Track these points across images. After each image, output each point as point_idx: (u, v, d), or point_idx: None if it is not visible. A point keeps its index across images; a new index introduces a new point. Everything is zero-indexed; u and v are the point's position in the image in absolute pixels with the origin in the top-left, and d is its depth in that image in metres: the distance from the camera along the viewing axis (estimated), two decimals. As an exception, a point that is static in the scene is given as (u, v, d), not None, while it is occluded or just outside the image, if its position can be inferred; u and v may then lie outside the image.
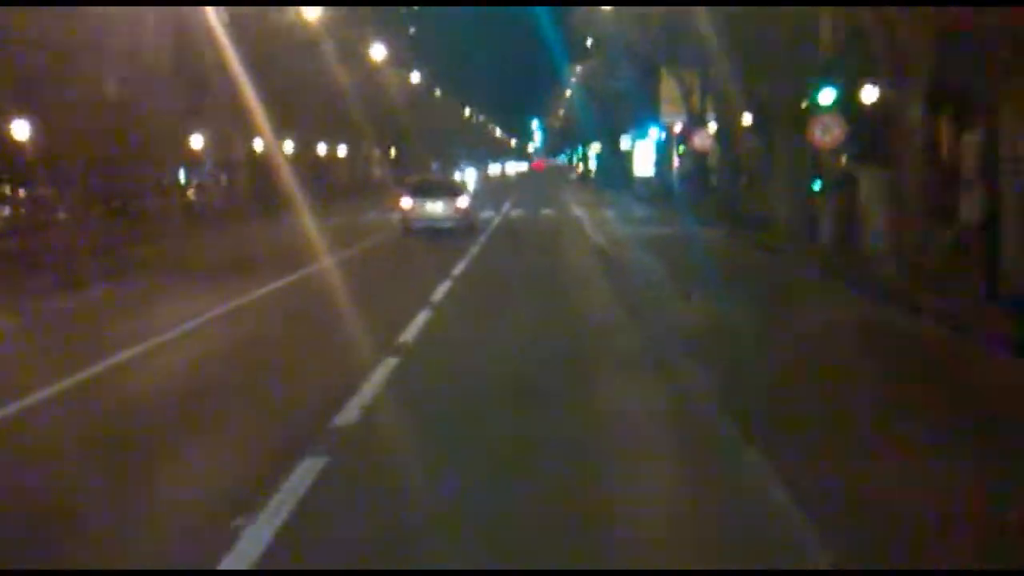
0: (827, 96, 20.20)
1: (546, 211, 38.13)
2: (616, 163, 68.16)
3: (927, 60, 15.68)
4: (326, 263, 20.21)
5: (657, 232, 27.42)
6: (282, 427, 7.90)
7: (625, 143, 61.11)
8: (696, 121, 36.84)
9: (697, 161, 38.35)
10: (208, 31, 34.73)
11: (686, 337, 11.58)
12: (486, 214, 35.34)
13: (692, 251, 22.67)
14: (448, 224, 27.72)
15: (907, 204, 16.26)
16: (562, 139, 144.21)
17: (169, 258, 23.70)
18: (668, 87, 41.83)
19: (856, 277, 16.05)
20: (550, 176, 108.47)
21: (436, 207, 28.01)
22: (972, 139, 22.19)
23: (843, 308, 13.93)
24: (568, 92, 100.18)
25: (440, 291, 15.49)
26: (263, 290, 16.10)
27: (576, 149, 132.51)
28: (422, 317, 12.94)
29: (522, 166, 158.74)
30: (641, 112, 48.26)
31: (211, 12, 33.95)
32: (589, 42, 68.66)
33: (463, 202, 28.32)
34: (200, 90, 38.77)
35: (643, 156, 54.01)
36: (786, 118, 22.59)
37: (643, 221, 32.30)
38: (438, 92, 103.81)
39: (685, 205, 34.97)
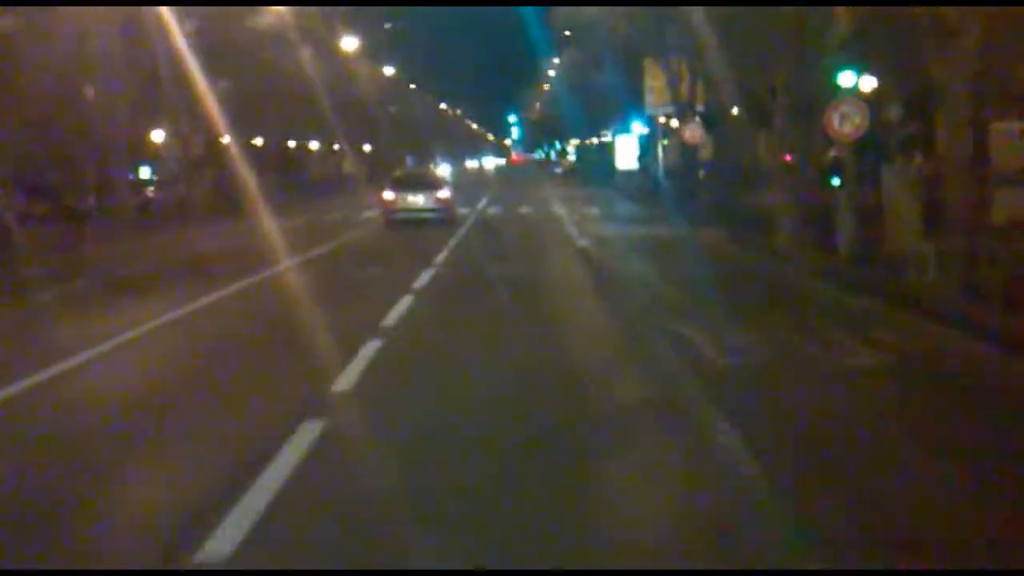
0: (847, 79, 17.58)
1: (524, 209, 35.38)
2: (597, 157, 65.56)
3: (974, 25, 13.07)
4: (269, 273, 17.50)
5: (648, 234, 24.68)
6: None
7: (606, 136, 58.43)
8: (684, 111, 34.22)
9: (686, 154, 35.75)
10: (160, 21, 32.02)
11: (718, 390, 8.31)
12: (460, 211, 32.68)
13: (693, 258, 19.90)
14: (428, 215, 28.50)
15: (953, 201, 13.63)
16: (540, 133, 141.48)
17: (104, 262, 20.92)
18: (653, 76, 39.20)
19: (901, 294, 13.20)
20: (528, 171, 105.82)
21: (417, 199, 28.99)
22: (1005, 127, 19.71)
23: (916, 341, 10.70)
24: (546, 86, 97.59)
25: (396, 313, 12.67)
26: (170, 316, 13.20)
27: (554, 144, 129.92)
28: (370, 350, 10.16)
29: (500, 161, 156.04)
30: (623, 104, 45.63)
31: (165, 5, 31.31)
32: (568, 33, 66.04)
33: (443, 194, 29.38)
34: (154, 84, 36.13)
35: (625, 150, 51.37)
36: (793, 105, 19.89)
37: (631, 220, 29.54)
38: (412, 86, 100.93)
39: (673, 202, 32.36)
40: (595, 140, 70.59)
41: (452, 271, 18.02)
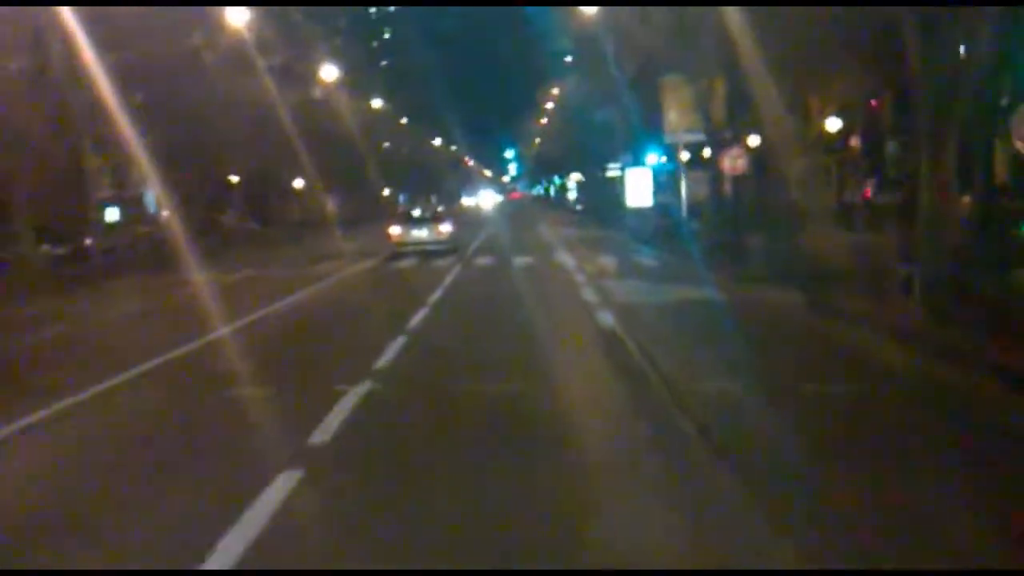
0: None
1: (522, 259, 28.04)
2: (603, 193, 58.90)
3: None
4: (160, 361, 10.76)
5: (691, 297, 17.71)
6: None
7: (614, 170, 51.67)
8: (720, 136, 27.45)
9: (716, 189, 29.07)
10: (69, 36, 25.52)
11: None
12: (447, 262, 26.09)
13: (787, 345, 12.59)
14: (432, 247, 30.69)
15: None
16: (539, 169, 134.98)
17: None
18: (676, 96, 32.41)
19: None
20: (527, 208, 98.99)
21: (422, 232, 31.60)
22: None
23: None
24: (544, 120, 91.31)
25: (328, 427, 7.44)
26: None
27: (552, 179, 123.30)
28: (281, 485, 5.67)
29: (498, 198, 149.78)
30: (635, 132, 38.96)
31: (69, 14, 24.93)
32: (568, 59, 59.67)
33: (445, 228, 32.02)
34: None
35: (637, 185, 44.55)
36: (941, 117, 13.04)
37: (660, 276, 22.31)
38: (404, 120, 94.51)
39: (703, 249, 25.61)
40: (599, 174, 63.96)
41: (394, 394, 10.06)
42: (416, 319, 15.64)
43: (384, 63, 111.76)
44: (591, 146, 59.08)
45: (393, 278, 24.47)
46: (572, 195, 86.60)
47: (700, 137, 30.40)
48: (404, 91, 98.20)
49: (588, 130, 57.27)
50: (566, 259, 27.13)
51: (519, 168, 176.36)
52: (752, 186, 31.13)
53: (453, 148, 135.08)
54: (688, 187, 32.77)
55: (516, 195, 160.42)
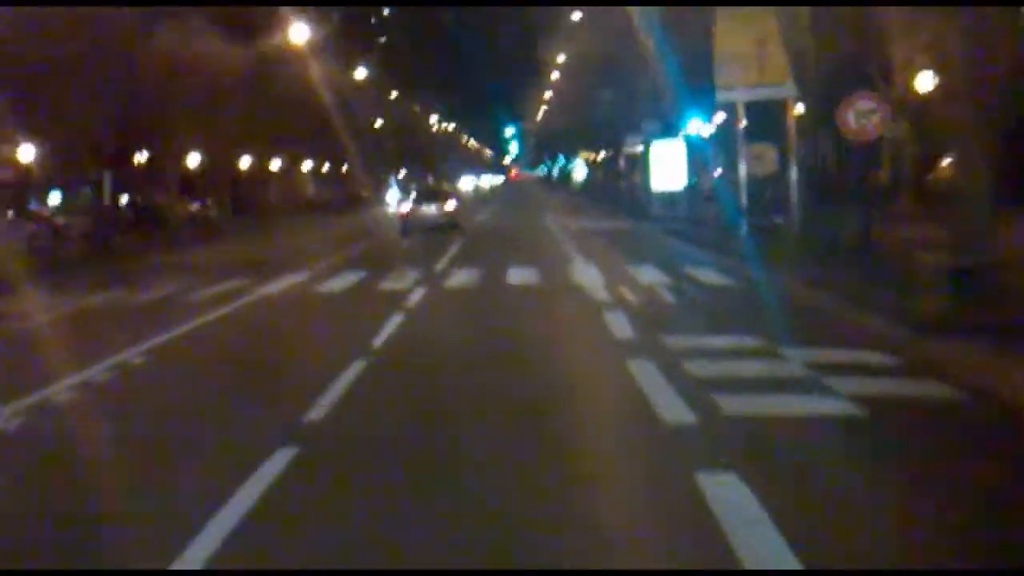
0: None
1: (522, 275, 18.11)
2: (620, 174, 49.38)
3: None
4: None
5: (899, 392, 7.91)
6: None
7: (635, 146, 42.01)
8: (812, 90, 17.96)
9: (806, 165, 19.66)
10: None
11: None
12: (404, 280, 16.77)
13: None
14: (440, 222, 32.32)
15: None
16: (541, 148, 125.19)
17: None
18: (733, 40, 22.90)
19: None
20: (529, 191, 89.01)
21: (431, 209, 33.43)
22: None
23: None
24: (548, 94, 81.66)
25: None
26: None
27: (556, 158, 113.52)
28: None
29: (497, 180, 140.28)
30: (675, 94, 29.41)
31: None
32: (577, 15, 49.88)
33: (450, 206, 34.01)
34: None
35: (666, 163, 35.03)
36: None
37: (772, 323, 11.91)
38: (394, 94, 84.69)
39: (796, 254, 16.24)
40: (614, 151, 54.28)
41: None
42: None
43: (383, 39, 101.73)
44: (602, 118, 49.54)
45: (286, 336, 14.32)
46: (580, 176, 76.99)
47: (779, 92, 20.91)
48: (399, 65, 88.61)
49: (599, 101, 47.80)
50: (587, 275, 17.54)
51: (520, 147, 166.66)
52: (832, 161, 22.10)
53: (451, 127, 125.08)
54: (754, 165, 23.19)
55: (517, 176, 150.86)
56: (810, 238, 17.77)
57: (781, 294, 14.08)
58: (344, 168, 74.13)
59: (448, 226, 31.61)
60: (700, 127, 30.80)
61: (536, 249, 24.15)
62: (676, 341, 10.40)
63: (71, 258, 26.89)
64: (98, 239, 29.88)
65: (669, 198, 34.51)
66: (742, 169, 23.48)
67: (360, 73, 68.42)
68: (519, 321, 12.77)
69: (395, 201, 55.30)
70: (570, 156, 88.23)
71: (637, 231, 29.22)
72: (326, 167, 71.44)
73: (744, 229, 22.20)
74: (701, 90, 25.87)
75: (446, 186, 49.38)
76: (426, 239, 28.53)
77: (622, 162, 48.19)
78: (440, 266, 20.11)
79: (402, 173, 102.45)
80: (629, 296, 14.33)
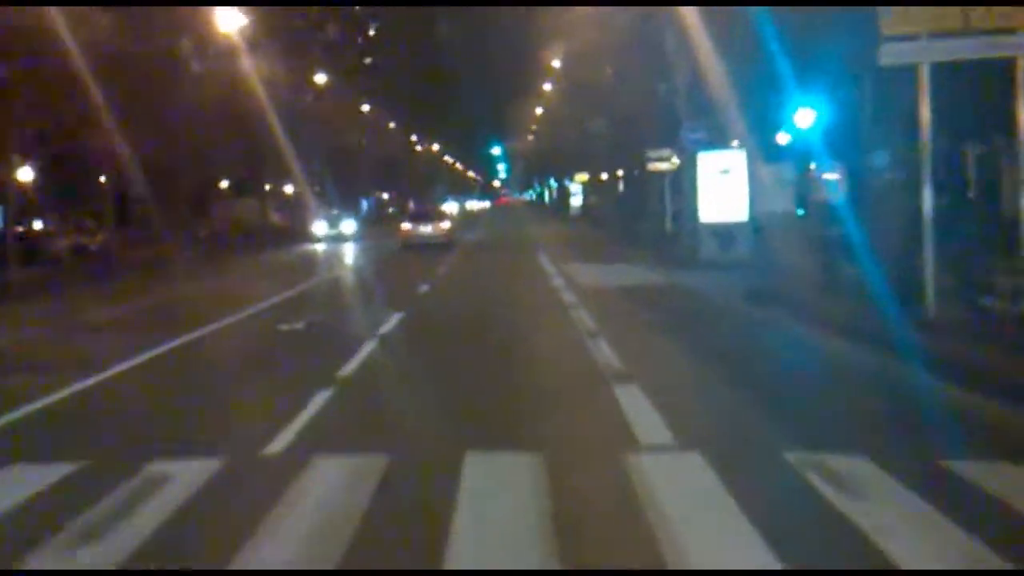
0: None
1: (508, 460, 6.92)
2: (634, 197, 37.86)
3: None
4: None
5: None
6: None
7: (661, 163, 30.07)
8: None
9: None
10: None
11: None
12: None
13: None
14: (435, 240, 34.99)
15: None
16: (531, 169, 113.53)
17: None
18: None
19: None
20: (519, 217, 76.48)
21: (427, 228, 36.32)
22: None
23: None
24: (539, 111, 70.23)
25: None
26: None
27: (548, 181, 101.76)
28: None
29: (484, 204, 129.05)
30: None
31: None
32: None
33: (444, 225, 37.05)
34: None
35: (725, 185, 23.30)
36: None
37: None
38: (365, 108, 72.59)
39: None
40: (639, 168, 42.60)
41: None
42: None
43: (369, 60, 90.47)
44: (614, 126, 38.02)
45: None
46: (576, 200, 65.09)
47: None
48: (386, 86, 77.92)
49: (606, 104, 36.46)
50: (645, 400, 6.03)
51: (507, 169, 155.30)
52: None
53: (435, 147, 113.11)
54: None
55: (505, 200, 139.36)
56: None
57: None
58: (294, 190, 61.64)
59: (441, 244, 33.90)
60: (804, 120, 19.07)
61: (531, 348, 12.27)
62: None
63: None
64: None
65: (725, 234, 22.83)
66: (926, 196, 11.69)
67: (320, 78, 56.69)
68: None
69: (323, 234, 43.84)
70: (563, 178, 76.59)
71: (698, 298, 17.28)
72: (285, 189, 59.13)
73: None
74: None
75: (441, 208, 51.94)
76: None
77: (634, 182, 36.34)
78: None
79: (384, 196, 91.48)
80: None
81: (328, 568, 4.80)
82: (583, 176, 59.48)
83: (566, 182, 68.41)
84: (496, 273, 24.42)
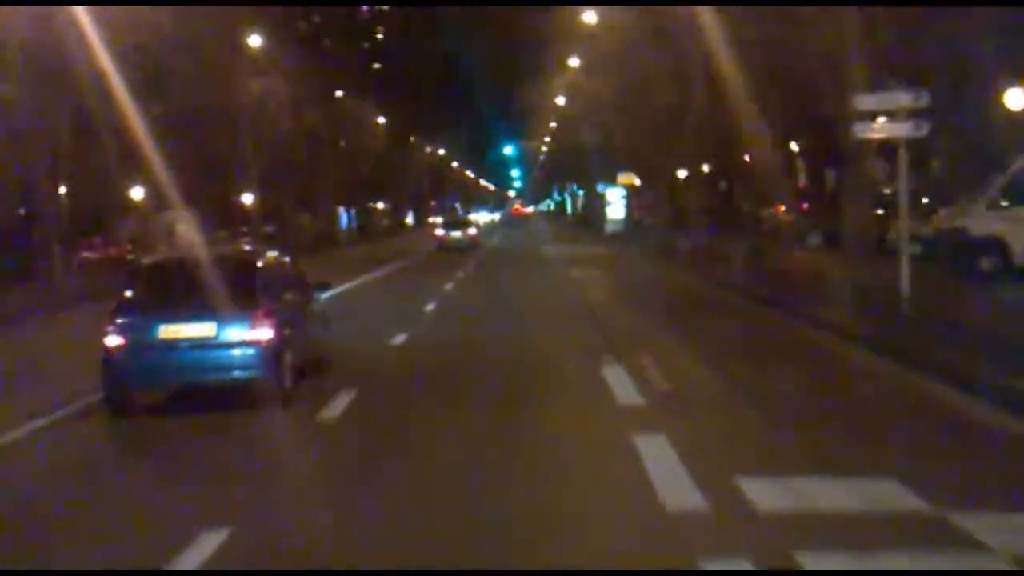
0: None
1: None
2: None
3: None
4: None
5: None
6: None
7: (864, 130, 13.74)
8: None
9: None
10: None
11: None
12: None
13: None
14: (465, 244, 40.49)
15: None
16: (552, 175, 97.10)
17: None
18: None
19: None
20: (537, 235, 59.23)
21: (457, 234, 42.61)
22: None
23: None
24: (552, 124, 54.79)
25: None
26: None
27: (572, 187, 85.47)
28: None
29: (495, 216, 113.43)
30: None
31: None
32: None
33: (472, 231, 43.71)
34: None
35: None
36: None
37: None
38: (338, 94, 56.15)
39: None
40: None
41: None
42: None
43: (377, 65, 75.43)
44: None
45: None
46: (616, 213, 48.49)
47: None
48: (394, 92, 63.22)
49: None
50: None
51: (521, 174, 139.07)
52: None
53: (441, 152, 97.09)
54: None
55: (521, 210, 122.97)
56: None
57: None
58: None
59: (470, 247, 39.68)
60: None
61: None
62: None
63: None
64: None
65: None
66: None
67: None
68: None
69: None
70: (592, 185, 60.21)
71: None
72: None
73: None
74: None
75: (469, 217, 56.36)
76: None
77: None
78: None
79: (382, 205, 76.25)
80: None
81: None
82: (628, 177, 43.01)
83: (600, 187, 51.88)
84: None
